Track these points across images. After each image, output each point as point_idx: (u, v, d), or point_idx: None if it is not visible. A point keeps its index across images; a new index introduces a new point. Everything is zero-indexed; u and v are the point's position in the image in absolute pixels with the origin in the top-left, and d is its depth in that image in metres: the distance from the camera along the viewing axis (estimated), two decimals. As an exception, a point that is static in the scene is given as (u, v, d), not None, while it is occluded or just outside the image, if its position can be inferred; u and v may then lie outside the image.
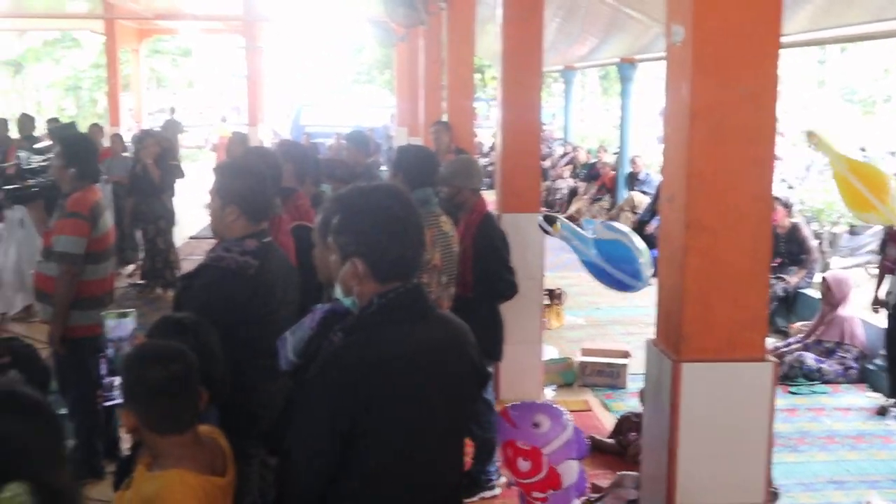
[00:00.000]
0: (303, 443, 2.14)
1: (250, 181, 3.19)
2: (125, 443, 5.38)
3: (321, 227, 2.26)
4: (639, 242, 5.12)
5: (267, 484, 3.09)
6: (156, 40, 26.34)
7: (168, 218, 9.01)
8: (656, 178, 13.16)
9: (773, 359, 3.35)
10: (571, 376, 6.82)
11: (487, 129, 20.78)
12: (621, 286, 5.17)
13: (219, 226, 3.20)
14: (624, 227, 5.53)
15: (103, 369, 2.83)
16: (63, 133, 5.68)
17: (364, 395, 2.07)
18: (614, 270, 5.05)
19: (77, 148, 4.86)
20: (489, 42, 11.68)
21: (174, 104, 23.98)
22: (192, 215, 12.23)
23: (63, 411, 4.78)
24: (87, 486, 4.87)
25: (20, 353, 2.83)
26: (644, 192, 12.85)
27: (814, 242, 8.74)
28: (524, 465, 3.16)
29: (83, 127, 10.39)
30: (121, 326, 2.60)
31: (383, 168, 8.72)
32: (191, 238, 12.45)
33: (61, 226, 4.66)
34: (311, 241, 2.41)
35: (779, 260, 8.25)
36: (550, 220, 5.40)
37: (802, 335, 7.39)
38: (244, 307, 3.04)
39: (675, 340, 3.24)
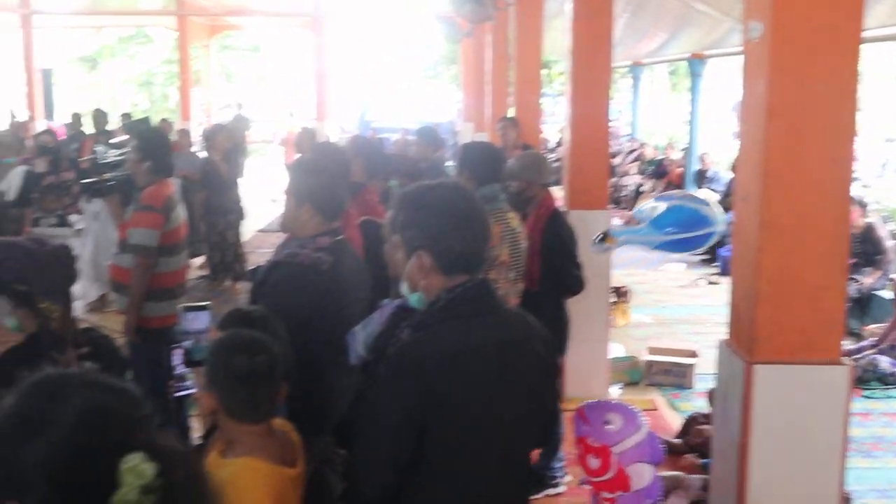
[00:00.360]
0: (373, 438, 2.16)
1: (324, 180, 3.22)
2: (195, 431, 5.52)
3: (390, 223, 2.28)
4: (697, 195, 5.07)
5: (336, 476, 3.12)
6: (226, 36, 26.77)
7: (237, 212, 9.15)
8: (725, 175, 12.95)
9: (848, 361, 3.27)
10: (637, 375, 6.75)
11: (553, 124, 20.67)
12: (705, 239, 5.09)
13: (293, 224, 3.24)
14: (674, 193, 5.44)
15: (178, 360, 2.88)
16: (138, 128, 5.83)
17: (431, 391, 2.08)
18: (689, 233, 4.98)
19: (152, 143, 4.97)
20: (556, 38, 11.61)
21: (242, 99, 24.33)
22: (259, 209, 12.43)
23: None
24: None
25: (99, 343, 2.90)
26: (713, 190, 12.65)
27: (890, 243, 8.50)
28: (594, 462, 3.13)
29: (155, 122, 10.58)
30: (198, 319, 2.64)
31: (449, 163, 8.75)
32: (258, 231, 12.64)
33: (136, 219, 4.77)
34: (378, 236, 2.44)
35: (853, 260, 8.04)
36: (601, 238, 5.30)
37: (876, 338, 7.21)
38: (317, 303, 3.07)
39: (747, 342, 3.18)
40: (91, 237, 8.45)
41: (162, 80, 30.53)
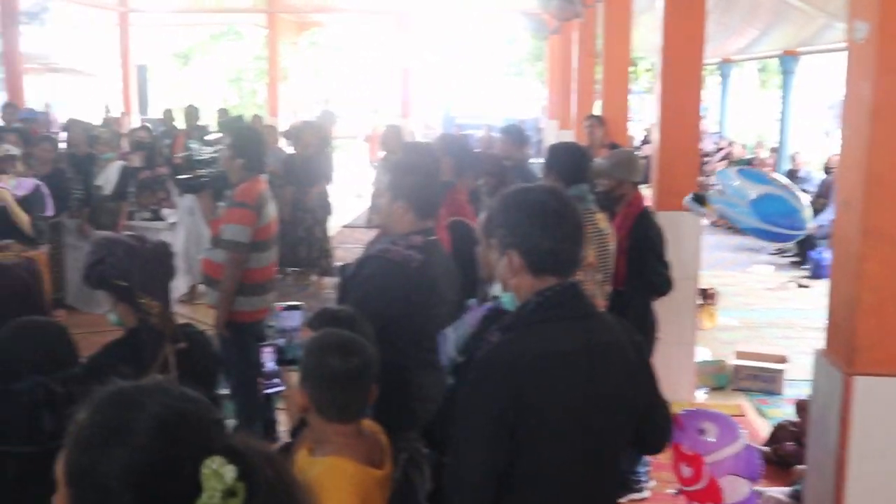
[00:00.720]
0: (466, 445, 2.15)
1: (420, 178, 3.24)
2: (282, 425, 5.61)
3: (484, 225, 2.29)
4: (793, 189, 4.95)
5: (422, 477, 3.13)
6: (314, 33, 27.13)
7: (325, 207, 9.26)
8: (817, 175, 12.58)
9: (955, 375, 3.14)
10: (724, 379, 6.61)
11: (638, 122, 20.38)
12: (791, 238, 4.99)
13: (387, 221, 3.27)
14: (766, 175, 5.31)
15: (269, 358, 2.94)
16: (232, 125, 5.95)
17: (519, 395, 2.07)
18: (775, 227, 4.87)
19: (245, 140, 5.05)
20: (644, 34, 11.44)
21: (329, 96, 24.63)
22: (345, 204, 12.57)
23: (225, 392, 4.99)
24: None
25: (195, 339, 2.97)
26: (804, 191, 12.29)
27: None
28: (686, 471, 3.08)
29: (248, 118, 10.76)
30: (292, 317, 2.68)
31: (533, 161, 8.70)
32: (344, 227, 12.79)
33: (229, 215, 4.86)
34: (466, 237, 2.45)
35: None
36: (699, 200, 5.20)
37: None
38: (405, 300, 3.09)
39: (847, 352, 3.08)
40: (183, 231, 8.67)
41: (251, 76, 31.09)
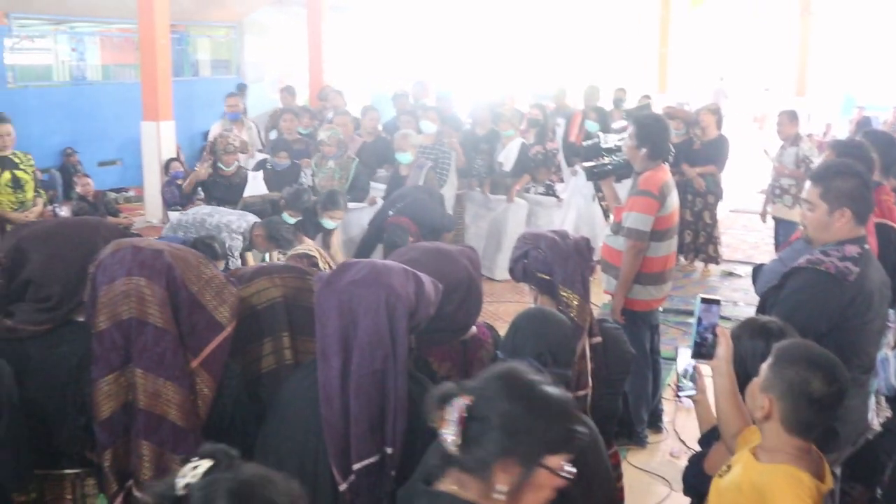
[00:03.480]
0: None
1: (857, 181, 2.98)
2: (667, 415, 5.56)
3: None
4: None
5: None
6: (706, 4, 26.28)
7: (717, 193, 8.97)
8: None
9: None
10: None
11: None
12: None
13: (820, 230, 3.03)
14: None
15: (683, 359, 2.88)
16: (638, 114, 5.94)
17: None
18: None
19: (650, 128, 5.01)
20: None
21: (722, 72, 23.77)
22: (733, 188, 12.09)
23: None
24: (628, 451, 5.11)
25: (610, 334, 3.00)
26: None
27: None
28: None
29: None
30: (711, 311, 2.60)
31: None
32: (731, 211, 12.34)
33: (632, 203, 4.87)
34: (893, 242, 2.20)
35: None
36: None
37: None
38: (839, 314, 2.88)
39: None
40: (573, 210, 8.87)
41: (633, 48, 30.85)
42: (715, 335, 2.60)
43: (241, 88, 14.27)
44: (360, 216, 7.63)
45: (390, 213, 6.78)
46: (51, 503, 2.87)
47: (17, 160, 6.60)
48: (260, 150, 9.49)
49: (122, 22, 13.65)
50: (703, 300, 2.66)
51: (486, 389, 1.81)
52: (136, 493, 2.51)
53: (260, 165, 7.90)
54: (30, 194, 6.65)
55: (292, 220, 6.51)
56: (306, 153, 8.48)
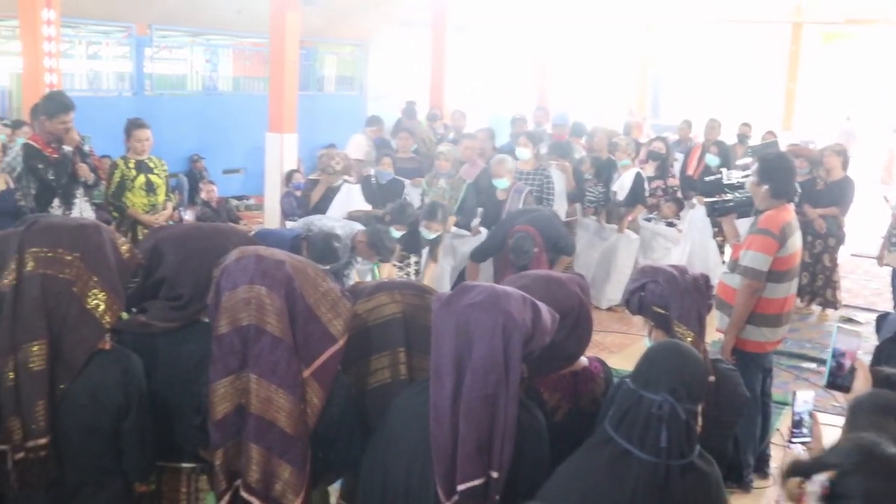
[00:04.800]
0: None
1: None
2: (774, 461, 5.40)
3: None
4: None
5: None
6: (836, 41, 25.52)
7: (839, 236, 8.68)
8: None
9: None
10: None
11: None
12: None
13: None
14: None
15: (800, 407, 2.82)
16: (763, 151, 5.83)
17: None
18: None
19: (773, 166, 4.91)
20: None
21: (851, 111, 22.97)
22: (856, 232, 11.65)
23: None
24: (732, 495, 4.99)
25: (724, 375, 2.96)
26: None
27: None
28: None
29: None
30: (849, 342, 2.54)
31: None
32: (852, 255, 11.90)
33: (751, 241, 4.77)
34: None
35: None
36: None
37: None
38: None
39: None
40: (688, 243, 8.73)
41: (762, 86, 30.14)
42: (853, 366, 2.54)
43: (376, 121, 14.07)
44: (462, 244, 7.63)
45: (516, 224, 6.77)
46: (167, 495, 3.01)
47: (152, 165, 6.91)
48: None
49: (255, 36, 14.17)
50: (842, 329, 2.61)
51: (846, 464, 1.80)
52: (243, 494, 2.60)
53: (364, 180, 7.90)
54: (161, 198, 6.94)
55: (398, 235, 6.60)
56: (418, 172, 8.56)
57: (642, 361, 2.34)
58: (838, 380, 2.55)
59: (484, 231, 7.53)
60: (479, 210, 7.82)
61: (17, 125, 6.99)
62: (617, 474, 2.24)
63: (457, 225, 7.45)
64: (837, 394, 2.57)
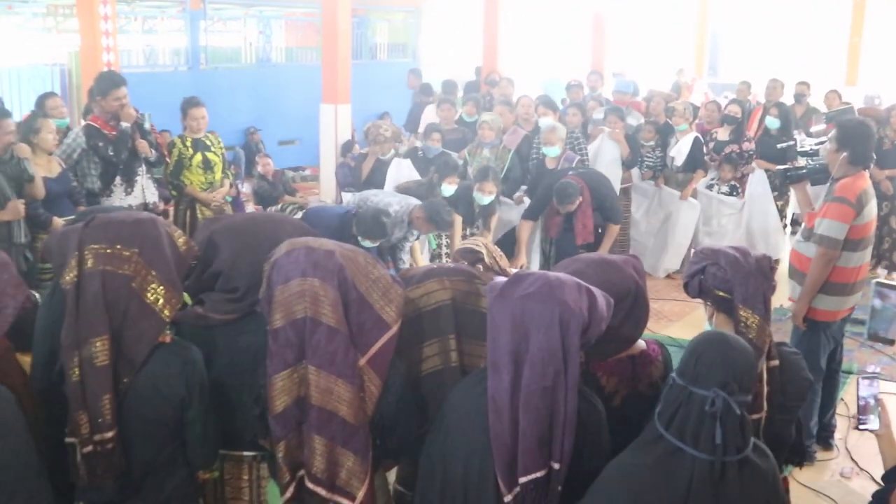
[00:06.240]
0: None
1: None
2: (839, 433, 5.30)
3: None
4: None
5: None
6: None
7: (907, 196, 8.40)
8: None
9: None
10: None
11: None
12: None
13: None
14: None
15: (866, 391, 2.76)
16: (840, 117, 5.63)
17: None
18: None
19: (852, 132, 4.77)
20: None
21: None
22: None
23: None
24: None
25: (787, 357, 2.88)
26: None
27: None
28: None
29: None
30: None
31: None
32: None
33: (827, 209, 4.66)
34: None
35: None
36: None
37: None
38: None
39: None
40: (747, 207, 8.53)
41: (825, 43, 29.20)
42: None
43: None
44: (508, 213, 7.56)
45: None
46: (229, 482, 3.06)
47: (208, 142, 6.95)
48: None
49: (307, 6, 14.13)
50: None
51: None
52: (308, 484, 2.62)
53: (411, 153, 7.86)
54: (218, 175, 6.98)
55: (451, 190, 6.59)
56: (462, 143, 8.47)
57: (688, 356, 2.28)
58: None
59: (527, 200, 7.48)
60: (523, 186, 7.80)
61: (87, 111, 7.12)
62: (669, 473, 2.20)
63: (502, 194, 7.39)
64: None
